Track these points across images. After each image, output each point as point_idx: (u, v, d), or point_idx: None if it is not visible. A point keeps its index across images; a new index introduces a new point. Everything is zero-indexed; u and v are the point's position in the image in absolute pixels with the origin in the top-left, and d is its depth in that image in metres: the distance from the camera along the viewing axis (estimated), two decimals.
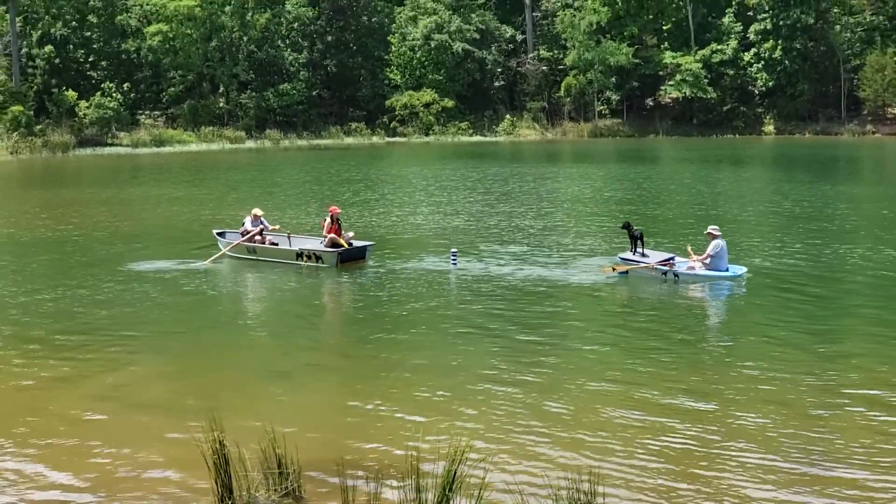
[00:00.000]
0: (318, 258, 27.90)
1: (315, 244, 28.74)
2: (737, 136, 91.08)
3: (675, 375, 17.41)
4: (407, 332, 21.49)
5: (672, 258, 25.71)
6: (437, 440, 13.50)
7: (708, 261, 24.80)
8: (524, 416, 15.12)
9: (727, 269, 24.80)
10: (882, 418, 14.75)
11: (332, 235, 27.93)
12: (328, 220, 28.33)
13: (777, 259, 27.97)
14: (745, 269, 25.05)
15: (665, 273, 25.25)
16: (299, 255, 28.33)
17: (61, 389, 17.05)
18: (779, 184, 52.53)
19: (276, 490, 12.00)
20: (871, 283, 24.93)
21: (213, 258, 29.01)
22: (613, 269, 25.71)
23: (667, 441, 14.02)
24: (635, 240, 26.31)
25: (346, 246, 27.85)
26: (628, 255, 26.29)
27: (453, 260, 27.84)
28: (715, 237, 24.80)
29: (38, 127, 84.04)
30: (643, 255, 26.06)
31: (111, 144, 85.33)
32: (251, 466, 12.10)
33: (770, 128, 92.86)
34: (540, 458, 13.41)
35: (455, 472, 11.20)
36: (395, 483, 12.14)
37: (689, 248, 25.96)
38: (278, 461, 12.06)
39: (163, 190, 52.70)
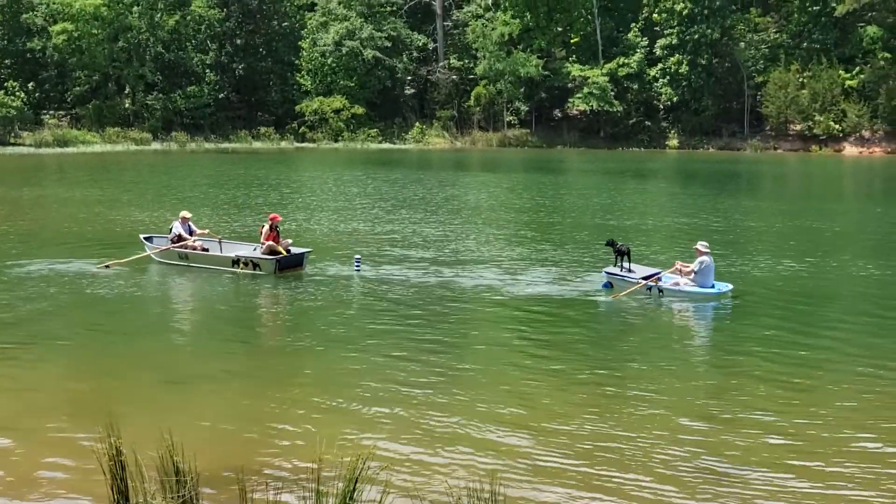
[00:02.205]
0: (255, 265, 27.49)
1: (248, 250, 28.44)
2: (642, 149, 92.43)
3: (575, 379, 17.65)
4: (313, 340, 21.50)
5: (658, 273, 25.49)
6: (340, 447, 13.54)
7: (692, 277, 24.60)
8: (425, 421, 15.23)
9: (713, 286, 24.56)
10: (786, 427, 15.14)
11: (270, 242, 27.58)
12: (267, 226, 27.98)
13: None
14: (730, 287, 24.83)
15: (650, 288, 25.02)
16: (235, 261, 27.87)
17: None
18: (675, 196, 53.46)
19: (172, 497, 11.92)
20: (767, 294, 25.52)
21: (118, 262, 28.27)
22: (612, 297, 24.90)
23: (567, 444, 14.26)
24: (621, 255, 26.01)
25: (284, 253, 27.56)
26: (614, 269, 26.02)
27: (357, 266, 27.95)
28: (702, 253, 24.56)
29: None
30: (629, 269, 25.76)
31: (13, 144, 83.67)
32: (148, 473, 12.05)
33: (674, 142, 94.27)
34: (441, 462, 13.52)
35: (356, 479, 11.25)
36: (295, 490, 12.16)
37: (677, 264, 25.57)
38: (176, 468, 11.98)
39: (58, 190, 52.08)
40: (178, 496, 11.95)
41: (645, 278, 25.26)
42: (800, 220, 42.34)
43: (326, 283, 26.85)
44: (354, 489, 11.25)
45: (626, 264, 25.95)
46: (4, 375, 17.91)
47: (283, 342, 21.54)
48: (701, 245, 24.89)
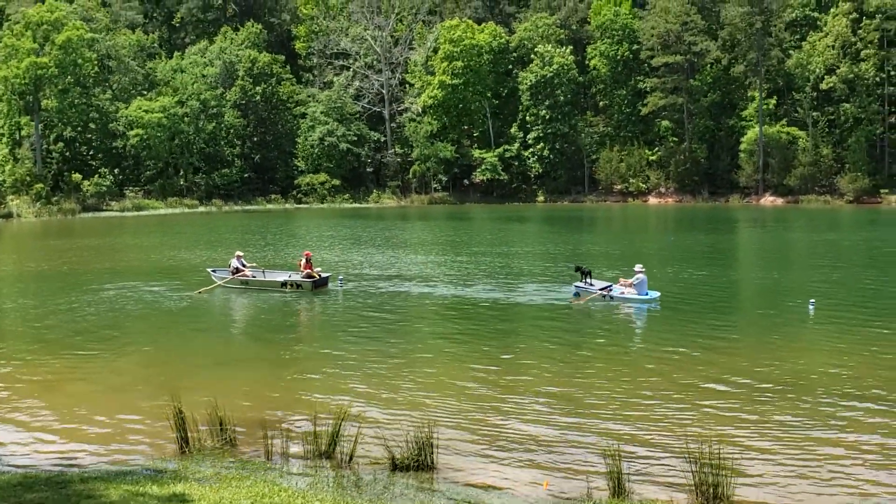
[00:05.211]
0: (298, 286, 27.39)
1: (286, 276, 28.11)
2: (520, 203, 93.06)
3: (491, 356, 17.80)
4: (316, 334, 21.54)
5: (610, 286, 24.74)
6: (328, 406, 13.62)
7: (633, 288, 24.06)
8: (384, 389, 15.32)
9: (646, 294, 24.01)
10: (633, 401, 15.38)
11: (308, 271, 27.68)
12: (304, 259, 28.04)
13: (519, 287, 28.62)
14: (658, 294, 24.23)
15: (604, 296, 24.34)
16: (283, 284, 27.65)
17: (66, 379, 16.53)
18: (541, 232, 53.97)
19: (218, 440, 11.99)
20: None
21: (206, 289, 27.42)
22: (574, 301, 24.37)
23: (478, 401, 14.41)
24: (584, 274, 25.29)
25: (317, 277, 27.67)
26: (580, 283, 25.24)
27: (340, 283, 28.04)
28: (638, 273, 24.13)
29: (54, 198, 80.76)
30: (591, 284, 25.01)
31: (105, 210, 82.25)
32: (201, 425, 12.07)
33: (541, 198, 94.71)
34: (395, 416, 13.63)
35: (339, 428, 11.43)
36: (299, 435, 12.23)
37: (621, 280, 25.03)
38: (220, 421, 12.03)
39: (134, 239, 51.49)
40: (221, 439, 11.98)
41: (601, 289, 24.63)
42: (624, 245, 42.98)
43: (326, 294, 26.97)
44: (338, 434, 11.42)
45: (588, 279, 25.20)
46: (97, 362, 17.74)
47: (296, 335, 21.44)
48: (638, 267, 24.45)
